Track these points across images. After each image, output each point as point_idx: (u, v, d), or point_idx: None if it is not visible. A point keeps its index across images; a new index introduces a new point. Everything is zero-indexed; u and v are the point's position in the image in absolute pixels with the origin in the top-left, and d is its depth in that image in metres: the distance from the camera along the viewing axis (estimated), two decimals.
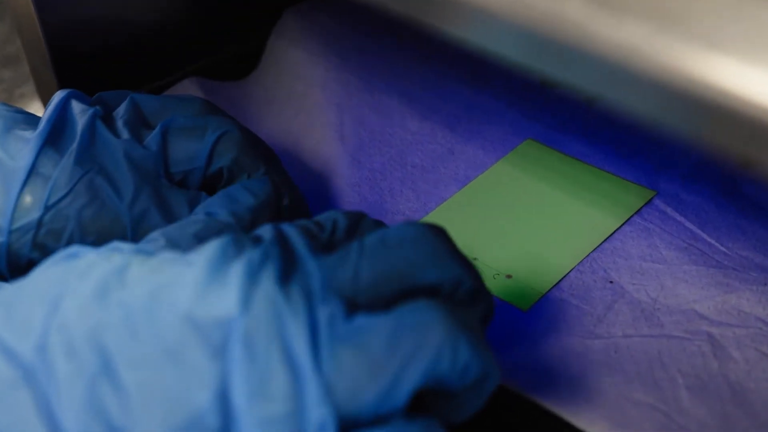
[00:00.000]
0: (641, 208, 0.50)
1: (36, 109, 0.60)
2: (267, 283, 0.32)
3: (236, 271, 0.32)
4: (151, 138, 0.44)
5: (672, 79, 0.29)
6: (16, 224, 0.42)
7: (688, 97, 0.29)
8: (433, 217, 0.51)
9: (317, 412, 0.31)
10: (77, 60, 0.56)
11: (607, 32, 0.31)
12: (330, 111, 0.57)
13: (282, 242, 0.34)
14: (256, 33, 0.64)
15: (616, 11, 0.30)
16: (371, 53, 0.61)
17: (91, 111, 0.43)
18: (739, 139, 0.28)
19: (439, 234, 0.36)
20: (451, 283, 0.35)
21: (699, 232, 0.48)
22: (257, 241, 0.34)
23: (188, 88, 0.59)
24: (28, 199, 0.42)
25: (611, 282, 0.46)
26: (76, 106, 0.44)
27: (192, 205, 0.43)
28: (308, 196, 0.52)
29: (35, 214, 0.42)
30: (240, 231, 0.40)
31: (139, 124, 0.45)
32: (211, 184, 0.45)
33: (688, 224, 0.48)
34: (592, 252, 0.48)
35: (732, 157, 0.29)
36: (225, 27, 0.64)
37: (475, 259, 0.48)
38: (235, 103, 0.60)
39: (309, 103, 0.58)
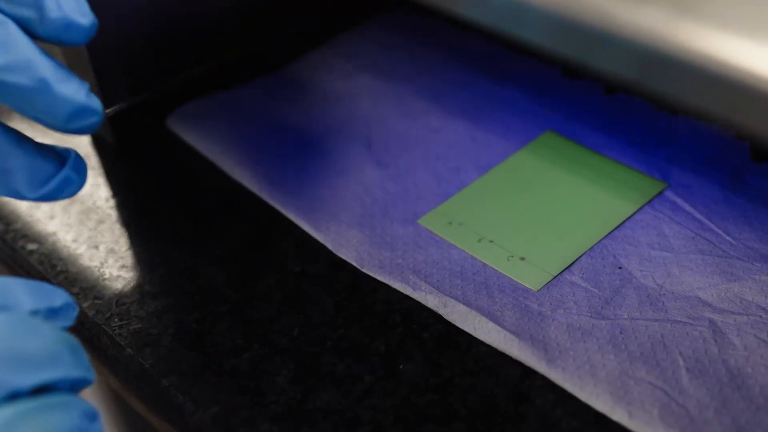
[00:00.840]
0: (653, 198, 0.52)
1: None
2: None
3: None
4: None
5: (691, 58, 0.31)
6: None
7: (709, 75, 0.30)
8: (453, 202, 0.53)
9: None
10: (112, 56, 0.58)
11: (626, 16, 0.33)
12: (359, 122, 0.59)
13: None
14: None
15: None
16: (403, 63, 0.64)
17: None
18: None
19: None
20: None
21: (707, 222, 0.50)
22: None
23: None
24: None
25: (620, 267, 0.48)
26: None
27: None
28: (329, 193, 0.54)
29: None
30: None
31: None
32: None
33: (697, 215, 0.50)
34: (603, 239, 0.50)
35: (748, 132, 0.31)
36: (253, 21, 0.66)
37: (491, 241, 0.50)
38: (261, 95, 0.62)
39: (338, 114, 0.60)
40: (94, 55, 0.56)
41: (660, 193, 0.52)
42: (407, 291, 0.48)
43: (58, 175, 0.40)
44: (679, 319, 0.45)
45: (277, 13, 0.66)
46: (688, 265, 0.48)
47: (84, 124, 0.38)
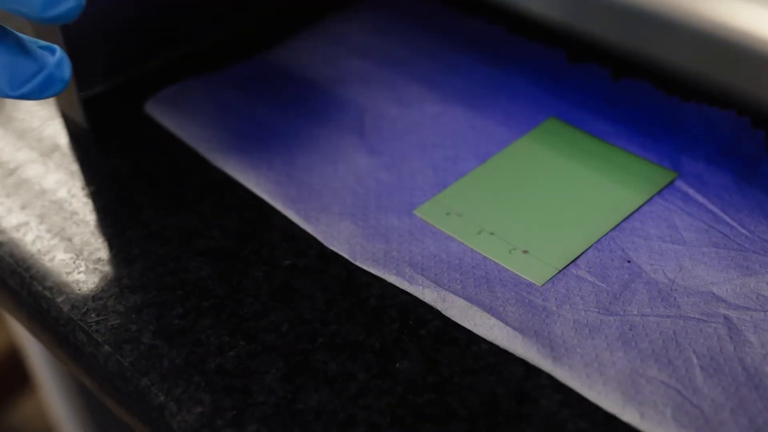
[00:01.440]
0: (663, 188, 0.49)
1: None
2: None
3: None
4: None
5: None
6: None
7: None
8: (451, 191, 0.50)
9: None
10: (87, 36, 0.55)
11: None
12: (351, 109, 0.57)
13: None
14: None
15: None
16: (397, 47, 0.61)
17: None
18: None
19: None
20: None
21: (721, 214, 0.47)
22: None
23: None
24: None
25: (629, 261, 0.46)
26: None
27: None
28: (319, 182, 0.51)
29: None
30: None
31: None
32: None
33: (710, 206, 0.48)
34: (610, 231, 0.47)
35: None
36: (235, 2, 0.63)
37: (491, 233, 0.47)
38: (247, 79, 0.59)
39: (328, 99, 0.58)
40: (69, 36, 0.53)
41: (670, 183, 0.49)
42: (403, 285, 0.45)
43: (41, 74, 0.39)
44: (692, 316, 0.43)
45: None
46: (701, 259, 0.45)
47: (60, 10, 0.37)
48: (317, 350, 0.43)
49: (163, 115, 0.57)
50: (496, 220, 0.48)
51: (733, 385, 0.40)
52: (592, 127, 0.53)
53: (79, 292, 0.47)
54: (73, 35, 0.53)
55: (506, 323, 0.43)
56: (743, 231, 0.46)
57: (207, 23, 0.61)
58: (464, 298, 0.44)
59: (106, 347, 0.44)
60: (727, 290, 0.44)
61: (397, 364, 0.42)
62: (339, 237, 0.48)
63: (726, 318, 0.42)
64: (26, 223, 0.51)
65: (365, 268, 0.47)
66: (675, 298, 0.44)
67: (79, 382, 0.72)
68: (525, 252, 0.46)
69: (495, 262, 0.46)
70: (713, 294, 0.44)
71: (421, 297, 0.45)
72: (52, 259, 0.49)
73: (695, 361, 0.41)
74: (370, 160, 0.53)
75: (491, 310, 0.43)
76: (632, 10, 0.34)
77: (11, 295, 0.49)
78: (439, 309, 0.44)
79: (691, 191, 0.49)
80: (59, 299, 0.47)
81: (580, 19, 0.36)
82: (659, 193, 0.49)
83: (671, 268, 0.45)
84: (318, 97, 0.58)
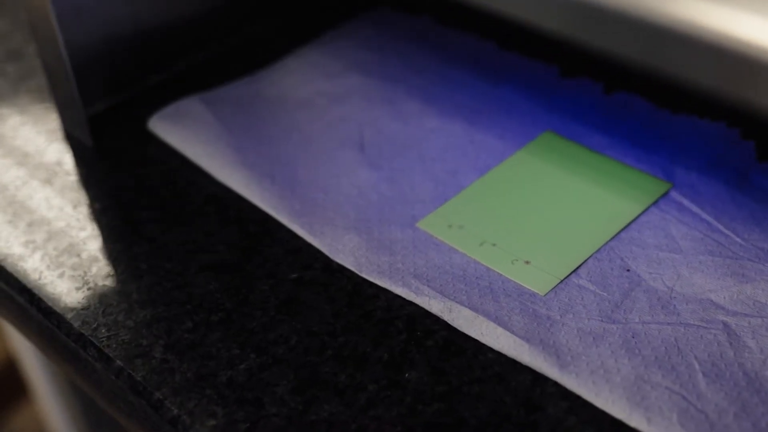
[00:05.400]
0: (658, 199, 0.50)
1: (44, 100, 0.61)
2: None
3: None
4: None
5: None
6: None
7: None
8: (453, 204, 0.51)
9: None
10: (89, 53, 0.56)
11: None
12: (350, 123, 0.57)
13: None
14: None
15: None
16: (393, 62, 0.62)
17: None
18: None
19: None
20: None
21: (715, 223, 0.48)
22: None
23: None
24: None
25: (628, 270, 0.47)
26: None
27: None
28: (322, 196, 0.52)
29: None
30: None
31: None
32: None
33: (704, 215, 0.49)
34: (609, 241, 0.48)
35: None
36: (234, 19, 0.64)
37: (494, 244, 0.48)
38: (247, 95, 0.60)
39: (327, 114, 0.58)
40: (72, 53, 0.54)
41: (665, 194, 0.50)
42: (410, 296, 0.46)
43: None
44: (692, 323, 0.44)
45: (260, 10, 0.64)
46: (698, 267, 0.46)
47: None
48: (326, 362, 0.44)
49: (166, 131, 0.57)
50: (497, 232, 0.49)
51: (735, 389, 0.41)
52: (586, 140, 0.54)
53: (88, 308, 0.47)
54: (75, 52, 0.54)
55: (512, 332, 0.44)
56: (737, 239, 0.48)
57: (207, 40, 0.61)
58: (470, 308, 0.45)
59: (118, 362, 0.45)
60: (724, 297, 0.45)
61: (406, 375, 0.43)
62: (344, 250, 0.49)
63: (725, 324, 0.43)
64: (33, 241, 0.51)
65: (371, 279, 0.47)
66: (674, 305, 0.45)
67: (78, 391, 0.72)
68: (527, 263, 0.47)
69: (498, 273, 0.47)
70: (711, 301, 0.45)
71: (427, 308, 0.46)
72: (62, 275, 0.49)
73: (697, 366, 0.42)
74: (371, 173, 0.54)
75: (497, 320, 0.44)
76: (629, 20, 0.35)
77: (20, 311, 0.50)
78: (446, 319, 0.45)
79: (685, 201, 0.50)
80: (69, 315, 0.47)
81: (575, 28, 0.37)
82: (655, 203, 0.50)
83: (669, 276, 0.46)
84: (317, 113, 0.59)
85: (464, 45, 0.63)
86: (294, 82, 0.61)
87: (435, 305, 0.46)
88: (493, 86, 0.59)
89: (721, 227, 0.48)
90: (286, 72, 0.62)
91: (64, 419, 0.81)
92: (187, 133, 0.57)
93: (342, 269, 0.48)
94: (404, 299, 0.47)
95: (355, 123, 0.57)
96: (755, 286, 0.45)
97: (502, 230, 0.49)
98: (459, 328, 0.45)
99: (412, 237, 0.49)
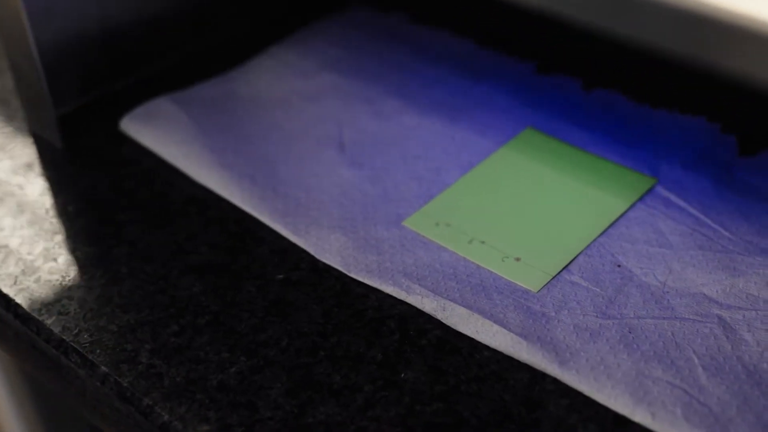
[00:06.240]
0: (644, 194, 0.50)
1: (8, 102, 0.59)
2: None
3: None
4: None
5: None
6: None
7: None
8: (438, 202, 0.50)
9: None
10: (59, 52, 0.54)
11: None
12: (328, 122, 0.57)
13: None
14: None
15: None
16: (368, 60, 0.61)
17: None
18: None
19: None
20: None
21: (703, 217, 0.48)
22: None
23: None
24: None
25: (619, 266, 0.46)
26: None
27: None
28: (305, 196, 0.51)
29: None
30: None
31: None
32: None
33: (691, 210, 0.49)
34: (598, 237, 0.48)
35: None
36: (207, 18, 0.63)
37: (482, 242, 0.48)
38: (221, 94, 0.59)
39: (304, 113, 0.57)
40: (42, 52, 0.52)
41: (651, 189, 0.50)
42: (401, 295, 0.46)
43: None
44: (687, 317, 0.44)
45: (232, 10, 0.63)
46: (689, 262, 0.46)
47: None
48: (319, 363, 0.43)
49: (139, 132, 0.56)
50: (485, 229, 0.49)
51: (735, 383, 0.40)
52: (568, 136, 0.54)
53: (68, 313, 0.46)
54: (45, 51, 0.52)
55: (509, 330, 0.43)
56: (726, 233, 0.48)
57: (178, 39, 0.60)
58: (464, 306, 0.44)
59: (103, 368, 0.43)
60: (717, 291, 0.45)
61: (402, 375, 0.42)
62: (331, 249, 0.48)
63: (720, 318, 0.43)
64: (6, 246, 0.50)
65: (360, 279, 0.46)
66: (668, 300, 0.44)
67: (33, 386, 0.70)
68: (518, 259, 0.47)
69: (489, 271, 0.46)
70: (704, 295, 0.45)
71: (420, 306, 0.45)
72: (38, 280, 0.47)
73: (696, 361, 0.42)
74: (353, 172, 0.53)
75: (492, 317, 0.44)
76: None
77: None
78: (440, 318, 0.44)
79: (672, 196, 0.50)
80: (49, 321, 0.45)
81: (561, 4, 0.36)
82: (641, 198, 0.50)
83: (661, 271, 0.46)
84: (294, 112, 0.57)
85: (439, 43, 0.63)
86: (268, 82, 0.60)
87: (428, 304, 0.45)
88: (472, 83, 0.59)
89: (709, 221, 0.48)
90: (260, 71, 0.61)
91: (17, 415, 0.79)
92: (161, 134, 0.55)
93: (329, 269, 0.48)
94: (395, 298, 0.46)
95: (333, 122, 0.56)
96: (747, 279, 0.45)
97: (490, 228, 0.49)
98: (453, 327, 0.44)
99: (398, 236, 0.49)
